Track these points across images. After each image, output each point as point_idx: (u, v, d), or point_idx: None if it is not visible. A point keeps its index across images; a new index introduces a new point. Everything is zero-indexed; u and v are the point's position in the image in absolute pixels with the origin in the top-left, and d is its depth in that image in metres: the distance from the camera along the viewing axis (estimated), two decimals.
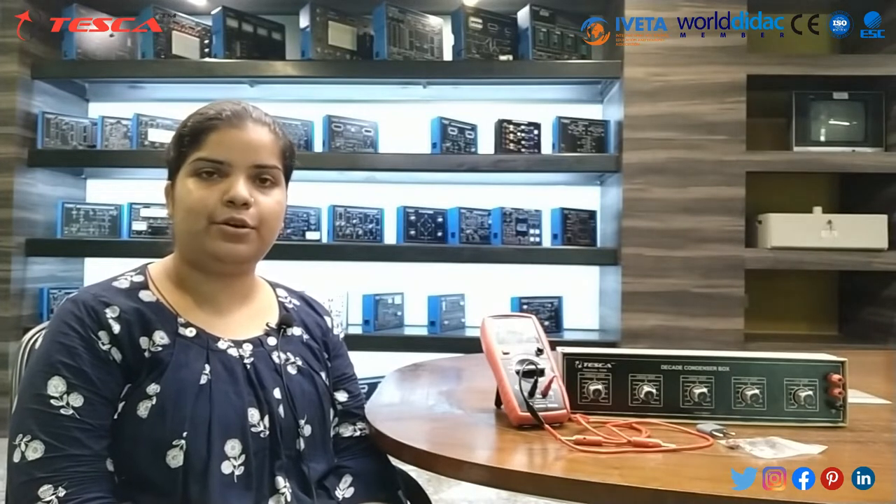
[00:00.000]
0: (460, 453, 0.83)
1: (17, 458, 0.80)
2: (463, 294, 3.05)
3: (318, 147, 2.94)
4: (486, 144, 2.93)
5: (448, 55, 2.95)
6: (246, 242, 0.93)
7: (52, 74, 3.00)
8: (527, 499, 2.12)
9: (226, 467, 0.86)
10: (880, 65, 2.76)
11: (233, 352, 0.93)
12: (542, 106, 3.08)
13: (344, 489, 0.97)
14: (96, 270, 3.18)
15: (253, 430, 0.89)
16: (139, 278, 0.95)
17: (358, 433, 1.04)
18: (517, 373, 0.93)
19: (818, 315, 3.16)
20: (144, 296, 0.92)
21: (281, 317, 1.02)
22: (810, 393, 0.94)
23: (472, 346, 1.25)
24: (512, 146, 2.85)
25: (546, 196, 3.08)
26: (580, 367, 0.98)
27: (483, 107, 3.10)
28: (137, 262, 0.99)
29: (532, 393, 0.91)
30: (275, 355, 0.96)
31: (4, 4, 2.85)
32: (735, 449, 0.83)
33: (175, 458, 0.83)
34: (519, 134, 2.87)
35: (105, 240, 2.97)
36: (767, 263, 2.73)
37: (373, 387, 1.26)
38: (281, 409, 0.92)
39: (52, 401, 0.81)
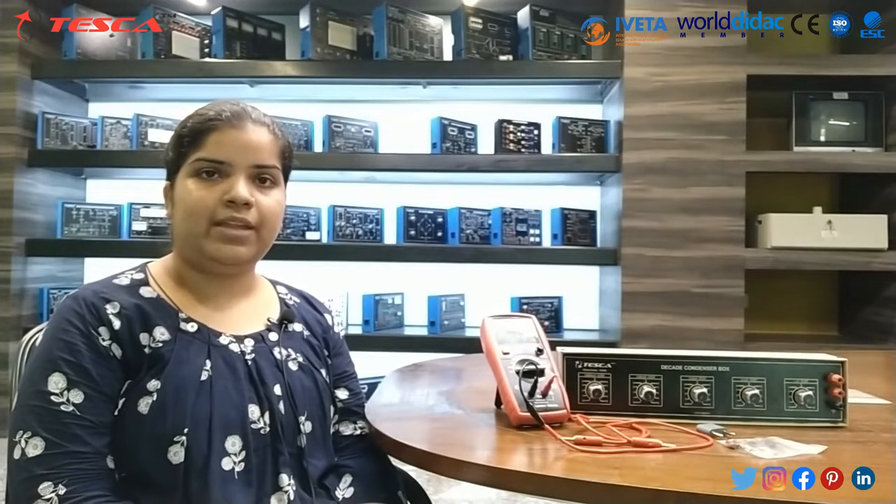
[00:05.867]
0: (460, 453, 0.83)
1: (17, 454, 0.80)
2: (463, 294, 3.05)
3: (318, 147, 2.94)
4: (486, 144, 2.93)
5: (448, 55, 2.95)
6: (246, 245, 0.94)
7: (52, 74, 3.00)
8: (527, 499, 2.12)
9: (226, 463, 0.86)
10: (880, 65, 2.76)
11: (234, 347, 0.93)
12: (542, 106, 3.08)
13: (344, 489, 0.97)
14: (96, 270, 3.18)
15: (253, 426, 0.89)
16: (140, 275, 0.95)
17: (358, 431, 1.04)
18: (517, 373, 0.93)
19: (818, 315, 3.16)
20: (145, 292, 0.93)
21: (282, 312, 1.02)
22: (810, 393, 0.94)
23: (472, 346, 1.25)
24: (512, 146, 2.85)
25: (546, 196, 3.08)
26: (580, 367, 0.98)
27: (483, 107, 3.09)
28: (137, 263, 0.99)
29: (532, 393, 0.91)
30: (276, 351, 0.97)
31: (4, 4, 2.85)
32: (735, 449, 0.82)
33: (176, 454, 0.83)
34: (519, 134, 2.87)
35: (105, 240, 2.97)
36: (767, 263, 2.73)
37: (373, 387, 1.26)
38: (281, 406, 0.93)
39: (52, 397, 0.81)
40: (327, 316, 1.10)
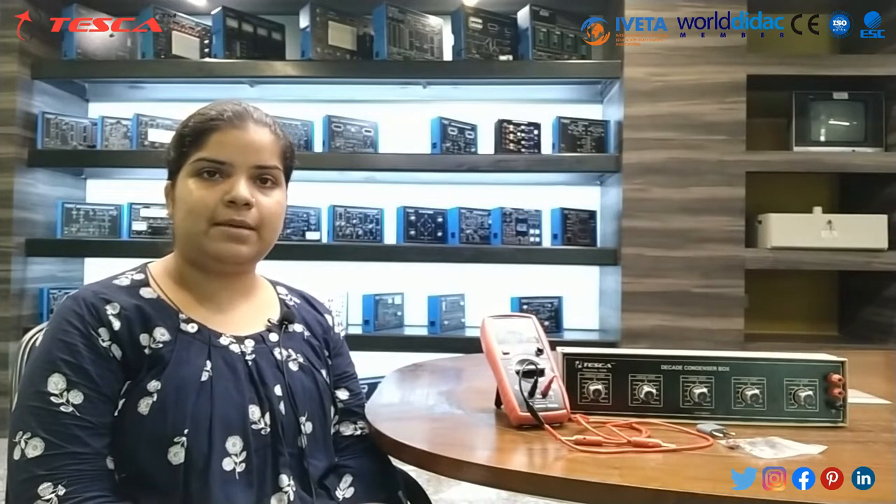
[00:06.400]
0: (460, 453, 0.83)
1: (17, 455, 0.80)
2: (463, 294, 3.05)
3: (318, 147, 2.94)
4: (486, 144, 2.93)
5: (448, 55, 2.95)
6: (247, 244, 0.94)
7: (52, 74, 2.99)
8: (527, 499, 2.12)
9: (227, 464, 0.86)
10: (880, 65, 2.76)
11: (234, 348, 0.94)
12: (542, 106, 3.08)
13: (344, 489, 0.97)
14: (96, 270, 3.18)
15: (254, 427, 0.89)
16: (140, 276, 0.95)
17: (358, 432, 1.04)
18: (517, 373, 0.93)
19: (818, 315, 3.16)
20: (145, 293, 0.93)
21: (283, 313, 1.02)
22: (810, 393, 0.94)
23: (472, 346, 1.25)
24: (512, 146, 2.85)
25: (546, 196, 3.08)
26: (580, 367, 0.98)
27: (483, 107, 3.09)
28: (137, 262, 0.99)
29: (532, 393, 0.91)
30: (276, 352, 0.97)
31: (4, 4, 2.85)
32: (735, 449, 0.83)
33: (177, 454, 0.83)
34: (519, 134, 2.87)
35: (105, 240, 2.96)
36: (767, 263, 2.73)
37: (373, 387, 1.26)
38: (282, 406, 0.93)
39: (52, 398, 0.81)
40: (328, 316, 1.10)
